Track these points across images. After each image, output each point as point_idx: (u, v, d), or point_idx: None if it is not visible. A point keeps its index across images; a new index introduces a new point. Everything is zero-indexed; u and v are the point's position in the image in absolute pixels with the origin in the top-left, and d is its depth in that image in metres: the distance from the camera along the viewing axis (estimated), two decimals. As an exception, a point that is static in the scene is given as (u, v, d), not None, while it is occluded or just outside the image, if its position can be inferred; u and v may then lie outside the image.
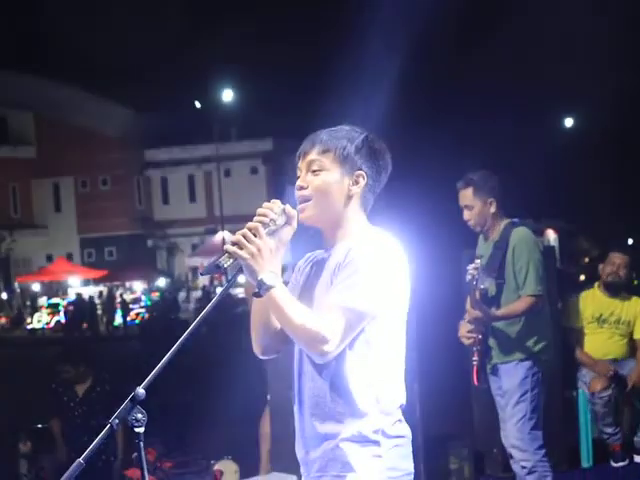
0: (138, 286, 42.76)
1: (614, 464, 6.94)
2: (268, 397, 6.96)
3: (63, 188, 49.21)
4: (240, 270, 2.89)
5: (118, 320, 33.30)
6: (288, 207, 2.93)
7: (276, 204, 2.91)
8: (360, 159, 2.97)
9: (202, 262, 42.23)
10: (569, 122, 38.52)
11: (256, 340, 3.12)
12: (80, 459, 2.56)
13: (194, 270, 45.17)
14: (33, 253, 46.95)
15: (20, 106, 45.96)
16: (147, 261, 46.69)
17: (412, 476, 2.94)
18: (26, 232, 46.97)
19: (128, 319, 32.54)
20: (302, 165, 3.01)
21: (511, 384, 5.58)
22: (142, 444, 2.61)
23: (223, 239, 38.55)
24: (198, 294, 37.52)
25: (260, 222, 2.87)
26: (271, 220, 2.89)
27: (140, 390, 2.62)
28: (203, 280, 42.69)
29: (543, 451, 5.58)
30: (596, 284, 7.36)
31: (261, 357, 3.18)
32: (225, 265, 2.82)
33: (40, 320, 33.48)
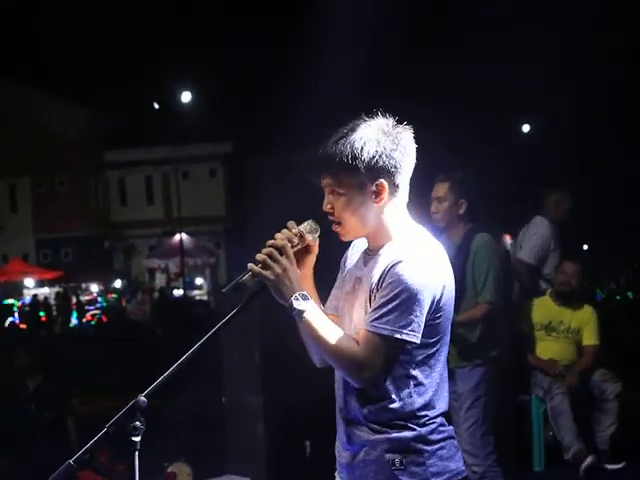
0: (94, 287, 42.46)
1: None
2: (223, 400, 6.94)
3: (19, 189, 48.68)
4: (264, 287, 2.75)
5: (73, 321, 33.00)
6: (304, 232, 2.85)
7: (293, 227, 2.83)
8: (374, 167, 2.76)
9: (159, 264, 42.05)
10: (526, 128, 38.83)
11: (311, 353, 3.01)
12: (71, 460, 2.52)
13: (151, 272, 44.90)
14: (-12, 253, 46.43)
15: (-26, 105, 45.46)
16: (104, 262, 46.38)
17: (463, 474, 2.86)
18: (-19, 232, 46.45)
19: (84, 320, 32.25)
20: (324, 185, 2.86)
21: (465, 388, 5.62)
22: (137, 454, 2.54)
23: (181, 240, 38.41)
24: (155, 296, 37.29)
25: (288, 239, 2.78)
26: (300, 237, 2.81)
27: (142, 398, 2.57)
28: (160, 282, 42.48)
29: (494, 456, 5.62)
30: (548, 292, 7.41)
31: (319, 366, 3.02)
32: (249, 284, 2.71)
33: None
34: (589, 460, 6.75)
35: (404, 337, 2.69)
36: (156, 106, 42.19)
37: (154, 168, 47.93)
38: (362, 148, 2.75)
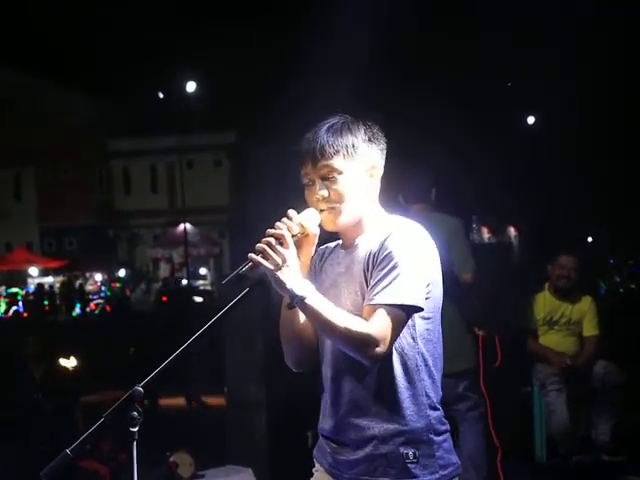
0: (98, 277, 42.51)
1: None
2: (225, 389, 6.95)
3: (24, 177, 48.73)
4: (264, 277, 2.71)
5: (77, 310, 33.05)
6: (305, 222, 2.80)
7: (294, 216, 2.78)
8: (368, 150, 2.84)
9: (163, 253, 42.08)
10: (531, 120, 38.73)
11: (289, 354, 2.99)
12: (67, 450, 2.50)
13: (155, 261, 44.92)
14: (-8, 242, 46.46)
15: (-20, 93, 45.42)
16: (108, 251, 46.40)
17: (460, 469, 2.86)
18: (-15, 221, 46.46)
19: (87, 310, 32.29)
20: (312, 175, 2.83)
21: None
22: (135, 444, 2.52)
23: (185, 230, 38.42)
24: (158, 286, 37.33)
25: (288, 229, 2.73)
26: (300, 226, 2.77)
27: (138, 388, 2.55)
28: (164, 272, 42.50)
29: None
30: (546, 285, 7.39)
31: (295, 370, 3.02)
32: (249, 275, 2.67)
33: (-3, 309, 33.11)
34: (577, 457, 6.82)
35: (411, 302, 2.68)
36: (161, 95, 42.17)
37: (159, 157, 47.89)
38: (359, 128, 2.86)
